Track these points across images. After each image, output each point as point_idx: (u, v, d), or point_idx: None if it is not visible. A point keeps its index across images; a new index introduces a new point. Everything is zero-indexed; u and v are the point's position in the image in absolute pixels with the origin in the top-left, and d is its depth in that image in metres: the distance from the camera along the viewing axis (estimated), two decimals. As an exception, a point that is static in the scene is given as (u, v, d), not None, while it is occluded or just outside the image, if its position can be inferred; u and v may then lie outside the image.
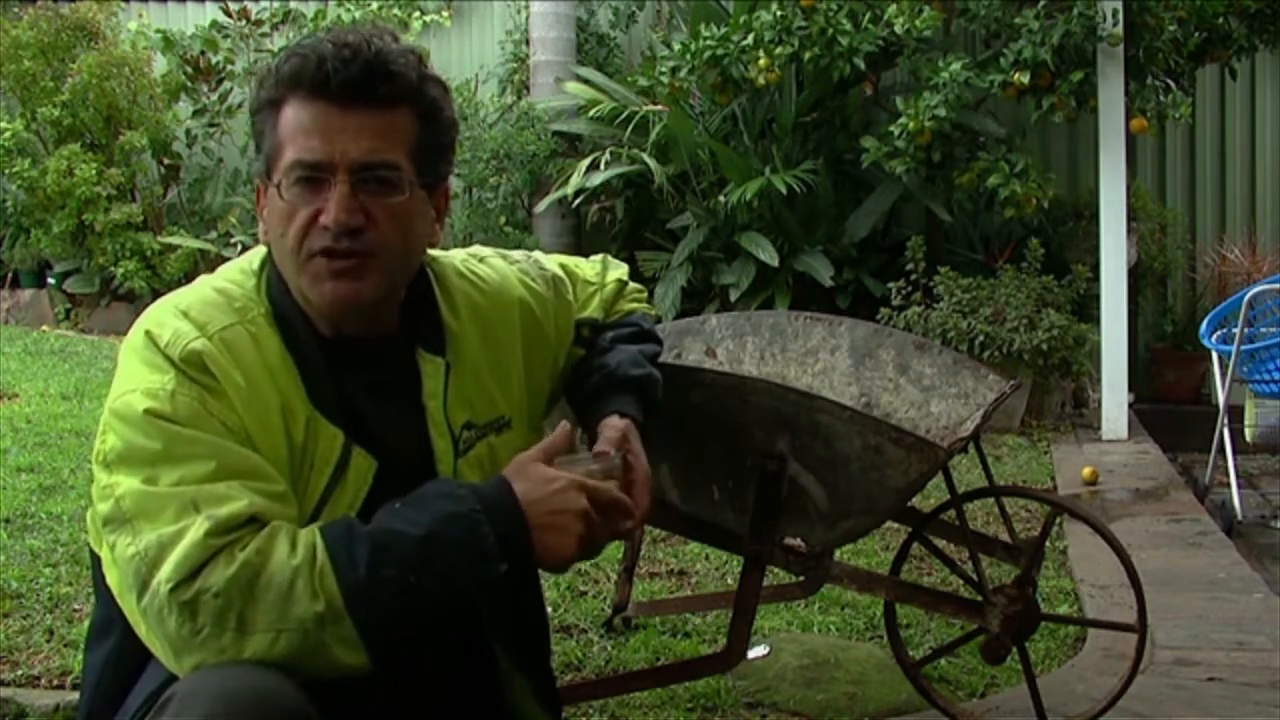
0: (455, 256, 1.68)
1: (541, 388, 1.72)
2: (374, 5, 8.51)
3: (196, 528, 1.30)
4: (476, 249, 1.75)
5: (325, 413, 1.44)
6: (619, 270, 1.95)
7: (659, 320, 2.02)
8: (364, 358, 1.51)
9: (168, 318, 1.45)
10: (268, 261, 1.51)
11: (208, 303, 1.46)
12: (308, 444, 1.43)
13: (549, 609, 3.30)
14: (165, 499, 1.33)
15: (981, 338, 6.08)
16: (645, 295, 1.97)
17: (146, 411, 1.37)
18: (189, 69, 8.59)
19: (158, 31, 8.69)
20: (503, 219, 7.75)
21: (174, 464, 1.35)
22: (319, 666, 1.32)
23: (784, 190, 6.64)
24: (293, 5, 8.70)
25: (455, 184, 7.94)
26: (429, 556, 1.32)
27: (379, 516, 1.38)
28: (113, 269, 8.12)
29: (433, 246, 1.56)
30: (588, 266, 1.92)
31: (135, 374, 1.41)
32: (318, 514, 1.42)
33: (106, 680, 1.50)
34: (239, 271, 1.53)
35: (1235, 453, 5.13)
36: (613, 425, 1.64)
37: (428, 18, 8.48)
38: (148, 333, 1.43)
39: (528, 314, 1.68)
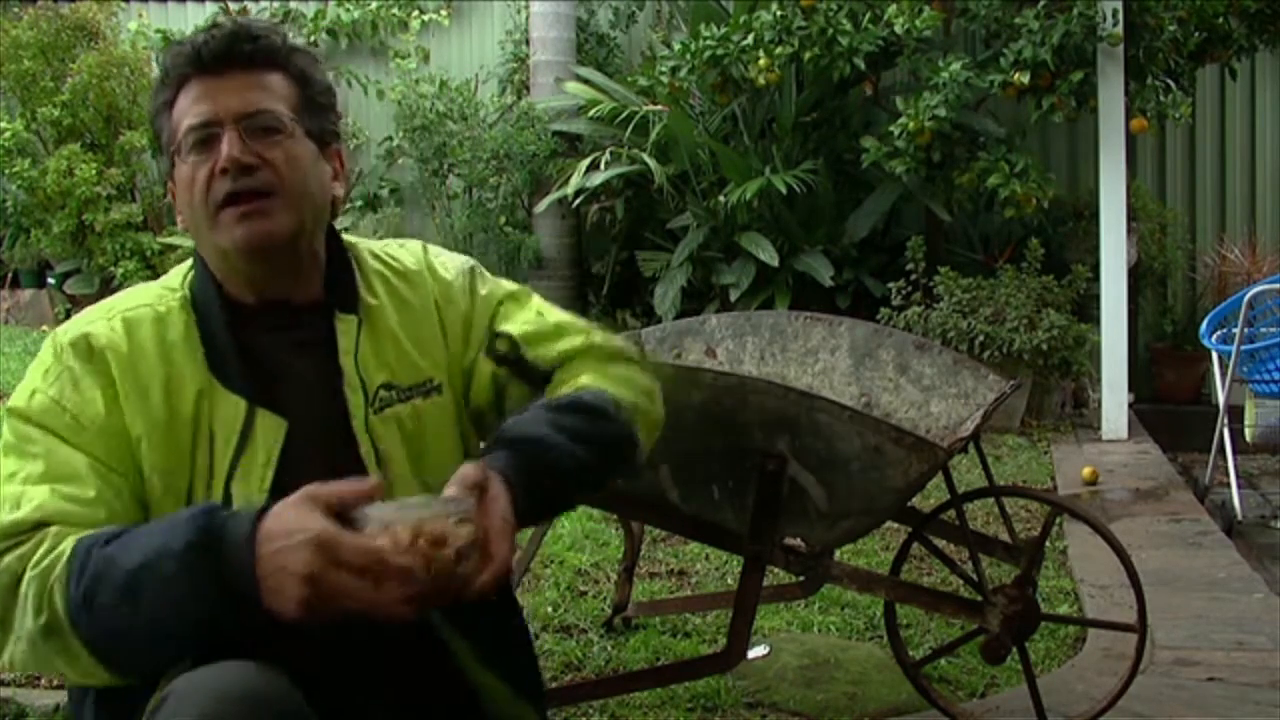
0: (373, 242, 1.72)
1: (462, 372, 1.65)
2: (373, 5, 8.51)
3: None
4: (404, 240, 1.77)
5: (226, 383, 1.49)
6: (606, 335, 1.71)
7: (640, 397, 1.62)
8: (287, 321, 1.55)
9: (80, 314, 1.55)
10: (195, 258, 1.58)
11: (123, 295, 1.57)
12: (200, 415, 1.47)
13: (549, 609, 3.30)
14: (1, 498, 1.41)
15: (981, 338, 6.08)
16: (633, 376, 1.68)
17: (9, 410, 1.47)
18: (189, 69, 8.58)
19: (158, 31, 8.67)
20: (503, 219, 7.74)
21: (18, 458, 1.43)
22: (67, 676, 1.37)
23: (784, 190, 6.63)
24: (292, 5, 8.69)
25: (455, 184, 7.97)
26: (136, 588, 1.29)
27: (131, 532, 1.35)
28: (113, 269, 8.12)
29: (336, 203, 1.60)
30: (570, 318, 1.72)
31: (27, 378, 1.52)
32: (230, 478, 1.46)
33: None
34: (171, 273, 1.61)
35: (1235, 453, 5.13)
36: (464, 470, 1.37)
37: (427, 17, 8.47)
38: (54, 332, 1.54)
39: (439, 296, 1.67)
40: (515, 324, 1.67)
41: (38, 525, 1.37)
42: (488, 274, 1.73)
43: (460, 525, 1.28)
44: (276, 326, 1.55)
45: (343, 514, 1.29)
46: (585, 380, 1.61)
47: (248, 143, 1.48)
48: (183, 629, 1.29)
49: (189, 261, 1.60)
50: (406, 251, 1.70)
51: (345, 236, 1.65)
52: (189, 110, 1.51)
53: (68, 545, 1.34)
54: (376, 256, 1.66)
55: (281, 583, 1.25)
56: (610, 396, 1.57)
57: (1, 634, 1.36)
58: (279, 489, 1.42)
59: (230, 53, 1.51)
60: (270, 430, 1.48)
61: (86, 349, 1.48)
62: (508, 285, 1.73)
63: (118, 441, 1.44)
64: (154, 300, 1.54)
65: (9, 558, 1.35)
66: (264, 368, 1.52)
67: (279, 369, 1.53)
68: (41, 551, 1.35)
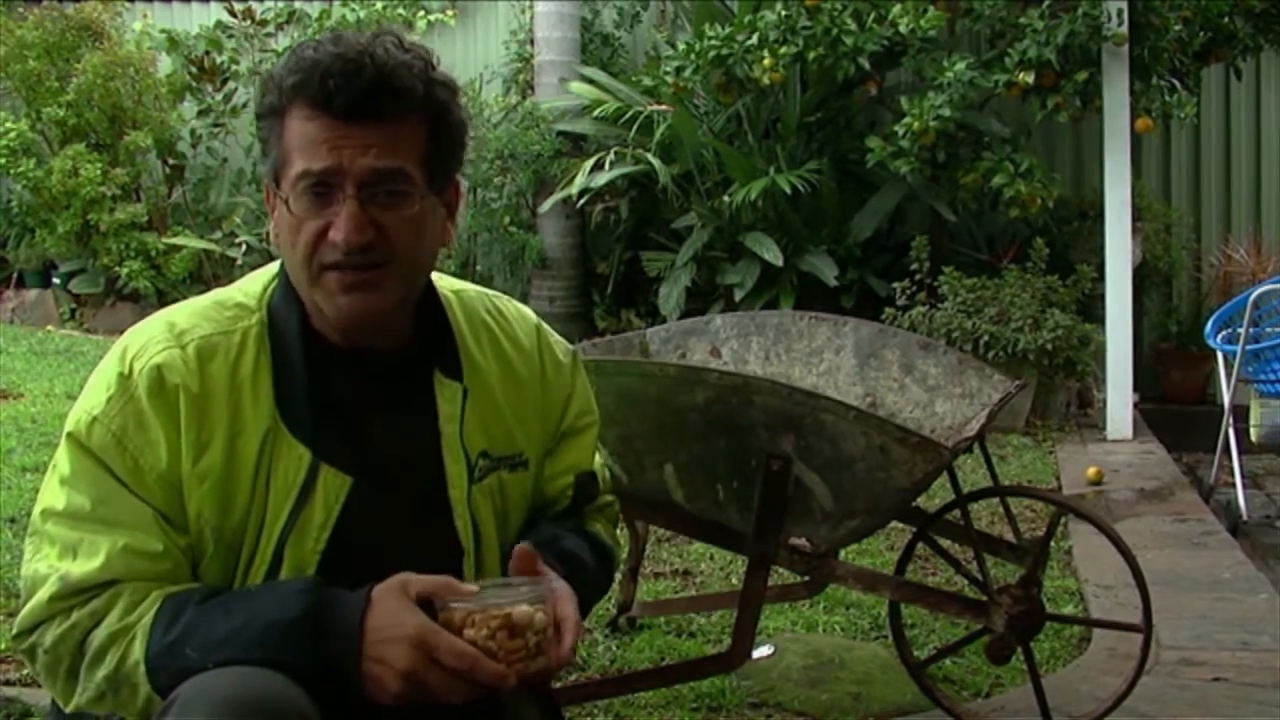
0: (483, 291, 1.63)
1: (543, 454, 1.63)
2: (379, 5, 8.52)
3: (48, 587, 1.35)
4: (516, 303, 1.68)
5: (294, 428, 1.40)
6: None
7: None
8: (374, 370, 1.48)
9: (151, 326, 1.45)
10: (281, 270, 1.48)
11: (197, 311, 1.45)
12: (261, 461, 1.39)
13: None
14: (54, 536, 1.37)
15: (986, 338, 6.08)
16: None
17: (69, 435, 1.40)
18: (194, 69, 8.60)
19: (162, 31, 8.69)
20: (507, 219, 7.75)
21: (74, 492, 1.37)
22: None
23: (788, 190, 6.63)
24: (297, 5, 8.70)
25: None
26: (229, 653, 1.29)
27: (230, 593, 1.36)
28: (117, 269, 8.13)
29: (444, 245, 1.52)
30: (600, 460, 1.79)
31: (89, 390, 1.43)
32: (286, 532, 1.40)
33: None
34: (252, 280, 1.50)
35: (1240, 452, 5.13)
36: (522, 552, 1.44)
37: (432, 17, 8.48)
38: (125, 345, 1.44)
39: (548, 375, 1.62)
40: (591, 459, 1.69)
41: (105, 584, 1.34)
42: (581, 365, 1.70)
43: (538, 611, 1.34)
44: (359, 374, 1.46)
45: (428, 602, 1.32)
46: (600, 530, 1.70)
47: (367, 210, 1.37)
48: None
49: (272, 269, 1.50)
50: (520, 321, 1.62)
51: (443, 281, 1.56)
52: (307, 151, 1.37)
53: (153, 600, 1.34)
54: (489, 311, 1.59)
55: (382, 675, 1.29)
56: (615, 556, 1.72)
57: (69, 684, 1.36)
58: (333, 550, 1.40)
59: (366, 106, 1.36)
60: (333, 488, 1.41)
61: (158, 383, 1.38)
62: (589, 391, 1.70)
63: (175, 492, 1.38)
64: (229, 324, 1.43)
65: (79, 613, 1.34)
66: (338, 417, 1.44)
67: (356, 421, 1.45)
68: (119, 610, 1.33)
